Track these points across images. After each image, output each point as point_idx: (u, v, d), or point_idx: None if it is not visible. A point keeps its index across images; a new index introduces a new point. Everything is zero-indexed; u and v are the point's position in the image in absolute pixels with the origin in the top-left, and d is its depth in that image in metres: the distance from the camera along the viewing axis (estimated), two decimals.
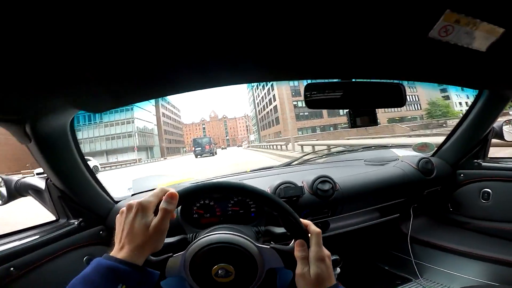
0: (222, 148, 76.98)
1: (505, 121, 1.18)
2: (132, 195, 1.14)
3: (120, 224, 0.47)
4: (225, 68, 0.61)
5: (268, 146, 23.20)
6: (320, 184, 1.06)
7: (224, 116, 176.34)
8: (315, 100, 0.72)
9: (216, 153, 26.74)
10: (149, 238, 0.45)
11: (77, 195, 0.88)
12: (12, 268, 0.67)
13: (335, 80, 0.74)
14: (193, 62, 0.55)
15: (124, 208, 0.48)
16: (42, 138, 0.71)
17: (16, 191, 0.92)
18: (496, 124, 1.17)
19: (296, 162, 1.49)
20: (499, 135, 1.18)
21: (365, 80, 0.77)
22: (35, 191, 0.92)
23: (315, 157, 1.55)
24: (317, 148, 8.62)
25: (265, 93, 55.85)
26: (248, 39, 0.48)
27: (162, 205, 0.47)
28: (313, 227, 0.54)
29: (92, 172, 0.94)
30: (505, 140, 1.19)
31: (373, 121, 0.78)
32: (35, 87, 0.52)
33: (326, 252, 0.52)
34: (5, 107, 0.58)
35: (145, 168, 15.86)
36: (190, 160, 20.99)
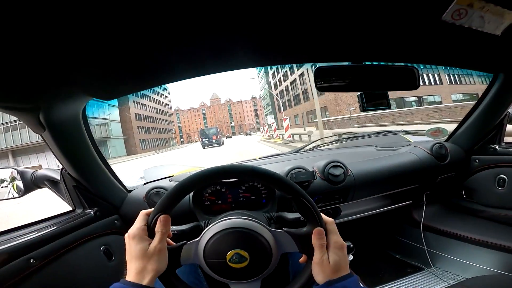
0: (227, 137, 64.86)
1: None
2: (145, 183, 1.14)
3: (126, 252, 0.52)
4: (236, 51, 0.61)
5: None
6: (331, 169, 1.05)
7: (228, 100, 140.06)
8: (326, 84, 0.71)
9: (223, 143, 26.74)
10: (148, 261, 0.49)
11: (91, 185, 0.89)
12: (32, 260, 0.66)
13: (345, 63, 0.73)
14: (206, 45, 0.55)
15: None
16: (56, 127, 0.71)
17: (32, 183, 0.93)
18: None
19: (306, 149, 1.49)
20: None
21: (376, 63, 0.75)
22: (51, 182, 0.93)
23: (325, 143, 1.53)
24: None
25: None
26: (257, 20, 0.48)
27: (157, 228, 0.51)
28: (325, 217, 0.55)
29: (106, 161, 0.94)
30: None
31: (386, 104, 0.77)
32: (47, 75, 0.53)
33: (343, 241, 0.53)
34: (19, 95, 0.58)
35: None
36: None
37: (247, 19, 0.46)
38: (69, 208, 0.93)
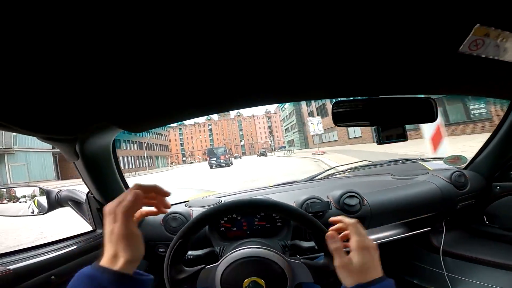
0: (236, 157, 55.51)
1: None
2: None
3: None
4: (262, 90, 0.63)
5: None
6: (347, 199, 1.03)
7: (238, 114, 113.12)
8: (344, 117, 0.72)
9: (232, 164, 26.55)
10: (117, 246, 0.42)
11: None
12: (53, 276, 0.71)
13: (362, 98, 0.74)
14: (230, 87, 0.58)
15: None
16: (88, 156, 0.76)
17: (56, 202, 0.98)
18: None
19: (319, 177, 1.47)
20: None
21: (393, 96, 0.76)
22: (75, 203, 0.98)
23: (339, 171, 1.52)
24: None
25: None
26: (279, 62, 0.50)
27: (117, 209, 0.44)
28: (347, 219, 0.54)
29: (128, 186, 0.97)
30: None
31: (402, 137, 0.76)
32: (88, 111, 0.57)
33: (372, 243, 0.50)
34: (60, 129, 0.63)
35: None
36: None
37: (267, 58, 0.48)
38: (90, 228, 0.97)
